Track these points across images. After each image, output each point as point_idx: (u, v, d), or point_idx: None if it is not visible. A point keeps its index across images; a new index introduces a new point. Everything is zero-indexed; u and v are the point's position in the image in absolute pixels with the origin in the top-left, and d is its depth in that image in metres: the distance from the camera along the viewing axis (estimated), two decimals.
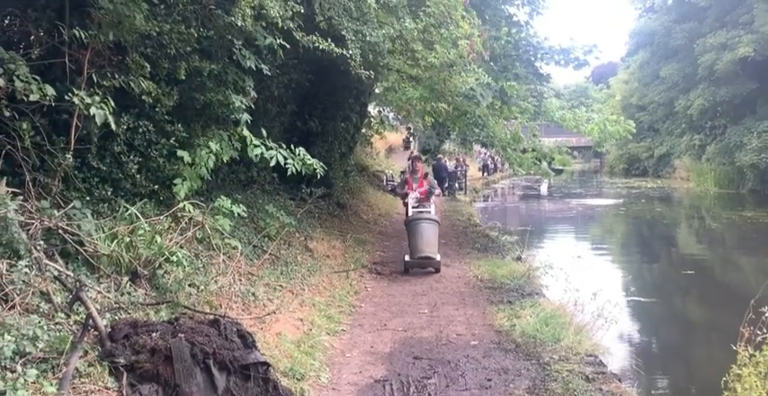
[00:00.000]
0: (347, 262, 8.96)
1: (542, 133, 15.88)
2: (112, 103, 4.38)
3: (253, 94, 6.62)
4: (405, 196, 9.91)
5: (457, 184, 24.91)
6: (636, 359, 6.06)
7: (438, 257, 8.94)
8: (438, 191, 10.19)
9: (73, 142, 4.59)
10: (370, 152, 24.38)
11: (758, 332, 3.14)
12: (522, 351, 5.40)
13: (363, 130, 18.69)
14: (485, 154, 35.22)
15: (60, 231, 4.12)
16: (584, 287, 7.74)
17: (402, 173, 24.30)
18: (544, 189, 33.96)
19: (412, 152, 28.39)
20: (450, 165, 25.41)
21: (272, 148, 6.18)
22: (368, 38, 6.67)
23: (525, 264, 9.73)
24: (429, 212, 9.45)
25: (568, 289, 7.59)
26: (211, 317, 3.93)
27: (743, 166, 27.01)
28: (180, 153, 5.69)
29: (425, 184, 9.80)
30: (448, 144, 30.82)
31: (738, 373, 3.14)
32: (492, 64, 9.47)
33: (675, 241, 18.74)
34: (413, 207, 9.61)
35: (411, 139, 29.46)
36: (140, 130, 5.66)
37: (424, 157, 25.34)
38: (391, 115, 20.71)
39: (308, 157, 6.34)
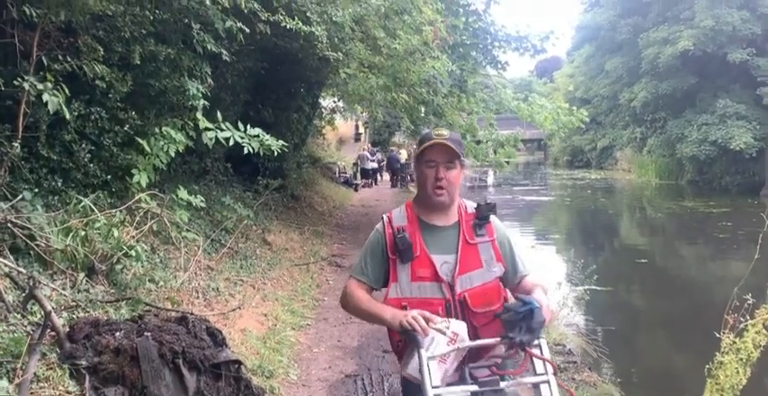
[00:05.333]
0: (306, 255, 8.77)
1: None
2: (66, 90, 4.07)
3: (210, 81, 6.34)
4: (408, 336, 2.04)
5: (409, 177, 24.96)
6: (602, 348, 6.14)
7: None
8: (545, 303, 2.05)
9: (21, 130, 4.26)
10: (321, 143, 24.10)
11: (741, 319, 3.16)
12: None
13: (315, 122, 18.44)
14: None
15: (9, 225, 3.82)
16: (543, 277, 7.78)
17: (354, 165, 24.13)
18: (491, 181, 34.41)
19: (399, 147, 26.77)
20: (403, 156, 25.49)
21: (226, 130, 5.84)
22: (333, 18, 6.47)
23: None
24: None
25: None
26: (178, 314, 3.72)
27: (682, 158, 27.99)
28: (140, 141, 5.37)
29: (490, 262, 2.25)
30: (398, 136, 30.81)
31: (721, 361, 3.16)
32: (450, 52, 9.39)
33: (624, 231, 19.29)
34: None
35: (363, 130, 29.32)
36: (92, 117, 5.35)
37: (399, 151, 24.00)
38: (341, 105, 20.42)
39: (266, 136, 6.02)
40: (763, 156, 24.52)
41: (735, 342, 3.16)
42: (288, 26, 6.47)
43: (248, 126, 5.89)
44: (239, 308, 5.13)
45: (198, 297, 5.09)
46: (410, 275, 2.20)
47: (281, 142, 6.05)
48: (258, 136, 5.82)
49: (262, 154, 6.00)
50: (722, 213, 19.55)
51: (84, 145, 5.28)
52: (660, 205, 24.15)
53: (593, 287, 8.88)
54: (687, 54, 26.06)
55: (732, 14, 25.14)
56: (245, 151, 5.78)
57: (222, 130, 5.76)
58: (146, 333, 3.28)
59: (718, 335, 3.22)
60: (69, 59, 4.67)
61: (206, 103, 6.17)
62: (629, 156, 36.43)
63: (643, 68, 29.51)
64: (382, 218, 2.32)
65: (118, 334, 3.25)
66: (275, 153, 6.00)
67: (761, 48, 26.10)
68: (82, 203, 4.59)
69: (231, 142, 5.71)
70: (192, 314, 3.74)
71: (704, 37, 25.53)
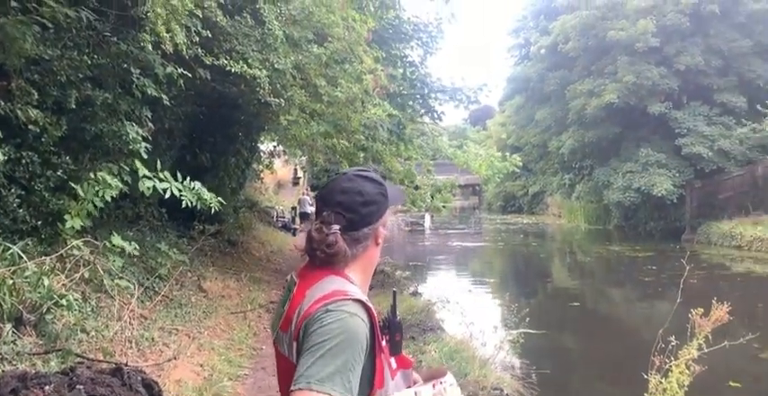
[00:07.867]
0: (243, 302, 8.60)
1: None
2: None
3: (150, 125, 6.30)
4: None
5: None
6: (537, 390, 6.24)
7: None
8: None
9: None
10: (259, 187, 23.95)
11: (666, 360, 3.32)
12: None
13: (254, 165, 18.38)
14: None
15: None
16: (479, 321, 7.92)
17: (293, 209, 24.00)
18: (428, 225, 34.83)
19: None
20: None
21: (164, 181, 5.78)
22: (275, 65, 6.60)
23: (422, 299, 9.83)
24: None
25: (464, 323, 7.71)
26: (112, 365, 3.58)
27: (609, 204, 29.19)
28: (73, 186, 5.24)
29: None
30: None
31: None
32: (389, 101, 9.66)
33: (555, 275, 19.80)
34: None
35: (301, 174, 29.37)
36: (23, 161, 5.21)
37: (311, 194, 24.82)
38: (280, 149, 20.44)
39: (204, 190, 6.00)
40: (683, 202, 25.86)
41: (661, 382, 3.32)
42: (233, 70, 6.54)
43: (187, 178, 5.84)
44: (174, 358, 4.98)
45: (131, 347, 4.92)
46: (390, 368, 1.53)
47: (219, 198, 6.03)
48: (196, 189, 5.78)
49: (199, 206, 5.96)
50: (647, 257, 20.40)
51: (12, 189, 5.12)
52: (589, 249, 24.99)
53: (528, 330, 9.07)
54: (611, 106, 27.55)
55: (651, 70, 26.84)
56: (183, 205, 5.73)
57: (161, 179, 5.69)
58: (78, 386, 3.15)
59: (645, 376, 3.36)
60: (2, 103, 4.58)
61: (148, 145, 6.11)
62: (559, 201, 37.77)
63: (570, 118, 30.94)
64: (358, 301, 1.49)
65: (47, 388, 3.10)
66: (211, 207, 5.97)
67: (677, 101, 27.89)
68: (10, 251, 4.41)
69: (168, 194, 5.64)
70: (126, 365, 3.61)
71: (627, 90, 27.07)
